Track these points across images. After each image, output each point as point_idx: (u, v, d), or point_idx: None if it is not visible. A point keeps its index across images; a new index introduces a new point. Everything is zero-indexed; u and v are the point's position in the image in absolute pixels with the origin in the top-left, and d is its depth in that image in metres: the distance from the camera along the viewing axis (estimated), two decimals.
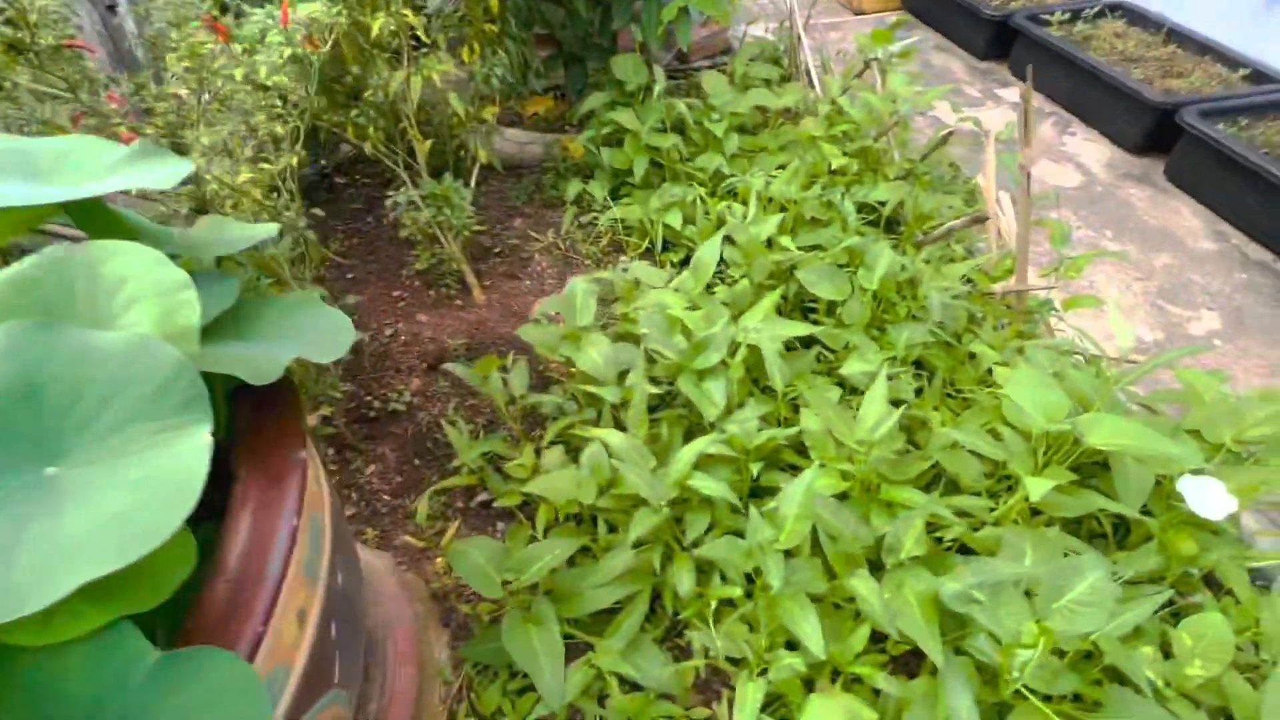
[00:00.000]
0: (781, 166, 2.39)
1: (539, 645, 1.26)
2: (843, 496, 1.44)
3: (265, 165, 1.23)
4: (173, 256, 0.94)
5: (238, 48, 1.24)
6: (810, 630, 1.15)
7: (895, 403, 1.66)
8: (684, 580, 1.34)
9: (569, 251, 2.60)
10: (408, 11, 1.94)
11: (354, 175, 3.06)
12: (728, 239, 2.03)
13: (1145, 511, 1.46)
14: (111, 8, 2.11)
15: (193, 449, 0.57)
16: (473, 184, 2.45)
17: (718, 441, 1.44)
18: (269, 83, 1.27)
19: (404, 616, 1.49)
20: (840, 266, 1.93)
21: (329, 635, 0.94)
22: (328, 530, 0.99)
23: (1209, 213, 2.51)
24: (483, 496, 1.84)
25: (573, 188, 2.57)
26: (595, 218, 2.58)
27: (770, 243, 1.92)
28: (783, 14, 2.99)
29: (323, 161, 2.91)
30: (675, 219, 2.26)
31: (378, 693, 1.33)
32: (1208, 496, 1.30)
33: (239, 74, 1.21)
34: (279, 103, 1.33)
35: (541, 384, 2.07)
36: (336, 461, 1.97)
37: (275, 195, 1.38)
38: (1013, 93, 3.29)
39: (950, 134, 1.87)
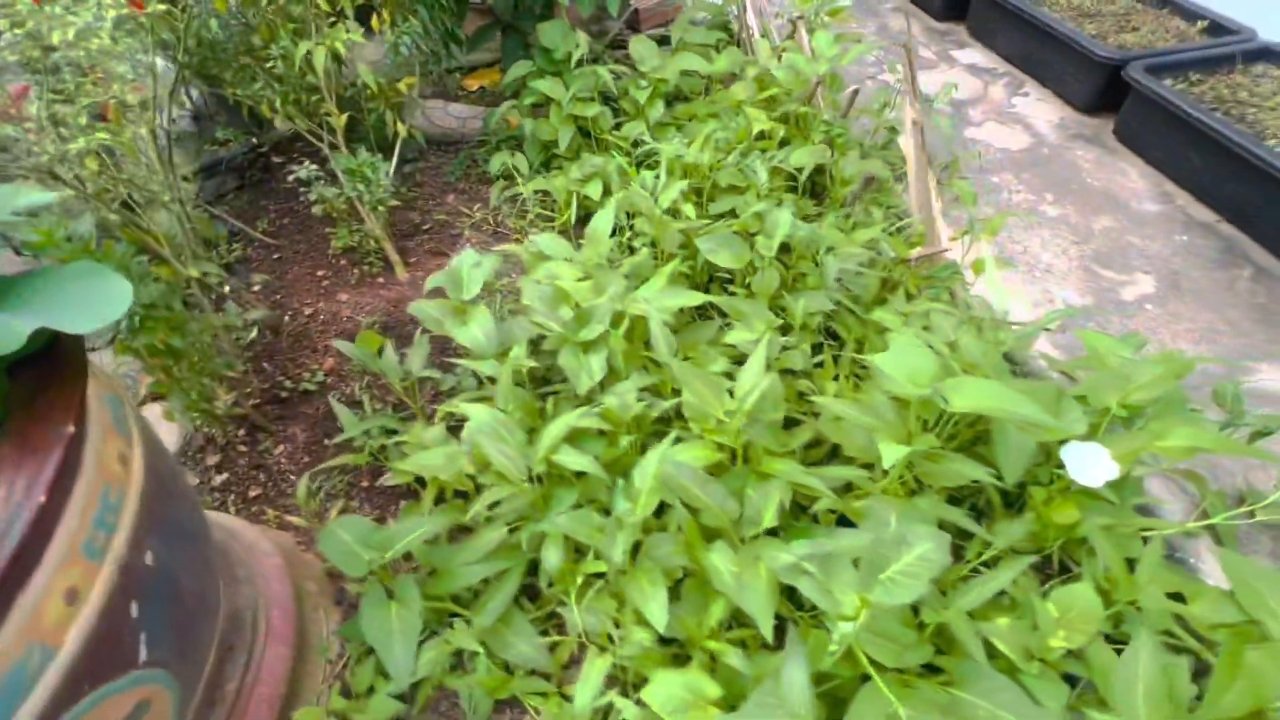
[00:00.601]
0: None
1: (396, 623, 1.24)
2: (722, 468, 1.40)
3: (100, 135, 1.19)
4: None
5: (52, 7, 1.19)
6: (656, 607, 1.12)
7: (789, 373, 1.62)
8: (551, 555, 1.31)
9: (499, 227, 2.55)
10: None
11: (291, 154, 3.01)
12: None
13: (1037, 481, 1.42)
14: None
15: None
16: (395, 159, 2.39)
17: (591, 415, 1.40)
18: (93, 45, 1.22)
19: (283, 595, 1.47)
20: (751, 235, 1.87)
21: (126, 615, 0.92)
22: (130, 508, 0.96)
23: (1156, 173, 2.42)
24: (387, 475, 1.82)
25: (498, 160, 2.51)
26: (522, 191, 2.53)
27: (676, 212, 1.86)
28: None
29: (254, 139, 2.86)
30: (595, 190, 2.20)
31: (241, 671, 1.31)
32: (1089, 463, 1.25)
33: (56, 37, 1.16)
34: (120, 68, 1.28)
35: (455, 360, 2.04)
36: (246, 443, 1.96)
37: (138, 167, 1.33)
38: (968, 54, 3.18)
39: (857, 91, 1.79)
